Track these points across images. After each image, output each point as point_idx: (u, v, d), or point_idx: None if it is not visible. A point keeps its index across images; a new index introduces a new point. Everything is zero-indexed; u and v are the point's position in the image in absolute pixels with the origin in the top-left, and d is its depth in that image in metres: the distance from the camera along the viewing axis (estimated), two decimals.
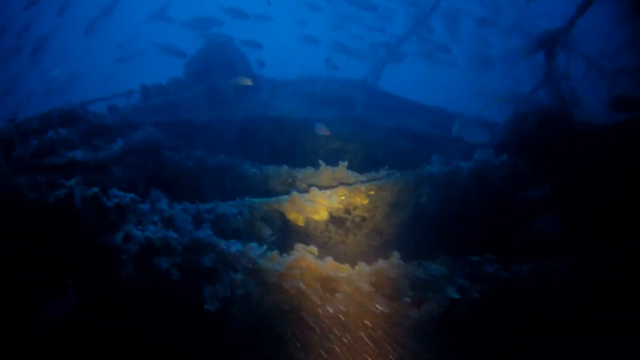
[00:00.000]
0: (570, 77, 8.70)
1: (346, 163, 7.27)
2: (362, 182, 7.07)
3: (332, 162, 7.59)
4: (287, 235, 6.69)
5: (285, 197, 6.76)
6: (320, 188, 6.84)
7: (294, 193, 6.71)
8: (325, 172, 7.46)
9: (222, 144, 8.22)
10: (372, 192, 6.56)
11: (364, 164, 7.81)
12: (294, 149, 9.04)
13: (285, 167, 7.58)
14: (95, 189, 5.28)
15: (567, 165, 5.96)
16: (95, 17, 24.96)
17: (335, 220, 6.62)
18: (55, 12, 24.94)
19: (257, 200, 6.68)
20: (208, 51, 10.76)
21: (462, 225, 5.98)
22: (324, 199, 6.77)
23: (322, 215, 6.78)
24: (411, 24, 16.41)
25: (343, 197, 6.69)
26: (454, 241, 5.57)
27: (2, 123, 6.46)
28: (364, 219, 6.55)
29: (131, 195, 5.59)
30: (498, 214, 5.91)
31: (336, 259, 5.17)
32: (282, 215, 6.70)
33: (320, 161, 7.50)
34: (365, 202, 6.63)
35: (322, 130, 8.30)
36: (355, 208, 6.61)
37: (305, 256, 5.79)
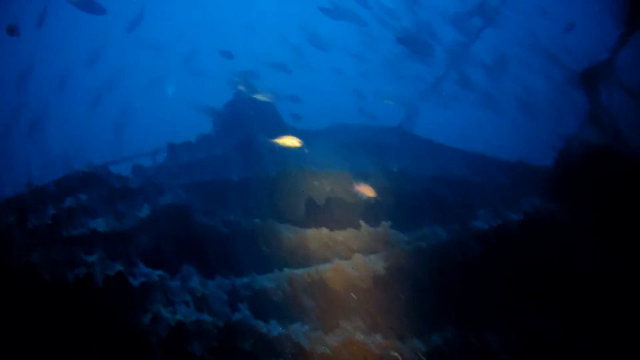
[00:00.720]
0: (613, 111, 8.09)
1: (389, 223, 6.56)
2: (406, 241, 6.30)
3: (373, 219, 6.87)
4: (330, 305, 5.92)
5: (327, 265, 6.02)
6: (363, 250, 6.28)
7: (337, 261, 5.98)
8: (367, 234, 6.74)
9: (256, 202, 7.52)
10: (417, 253, 5.95)
11: (406, 218, 7.08)
12: (332, 205, 8.29)
13: (324, 230, 6.84)
14: (119, 267, 4.57)
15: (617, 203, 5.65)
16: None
17: (379, 283, 5.84)
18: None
19: (298, 270, 5.91)
20: (237, 104, 10.24)
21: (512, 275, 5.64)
22: (367, 265, 6.07)
23: (366, 282, 6.09)
24: (446, 69, 15.87)
25: (386, 262, 5.96)
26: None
27: (19, 189, 5.87)
28: (409, 281, 5.78)
29: (159, 272, 4.88)
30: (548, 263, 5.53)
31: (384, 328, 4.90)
32: (325, 285, 5.93)
33: (362, 222, 6.80)
34: (410, 264, 5.94)
35: (362, 188, 7.58)
36: (400, 270, 5.83)
37: (352, 336, 5.10)
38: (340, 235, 6.99)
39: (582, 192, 5.84)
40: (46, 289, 4.31)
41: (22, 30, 9.32)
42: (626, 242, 5.34)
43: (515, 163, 9.84)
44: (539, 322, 5.21)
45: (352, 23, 14.18)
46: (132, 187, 6.12)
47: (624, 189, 5.62)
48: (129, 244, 5.42)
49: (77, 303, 4.37)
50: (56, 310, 4.48)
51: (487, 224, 5.86)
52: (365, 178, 8.69)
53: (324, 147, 10.70)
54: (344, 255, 6.92)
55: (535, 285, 5.48)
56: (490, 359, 5.10)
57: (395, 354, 4.91)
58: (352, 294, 6.04)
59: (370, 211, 7.97)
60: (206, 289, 4.96)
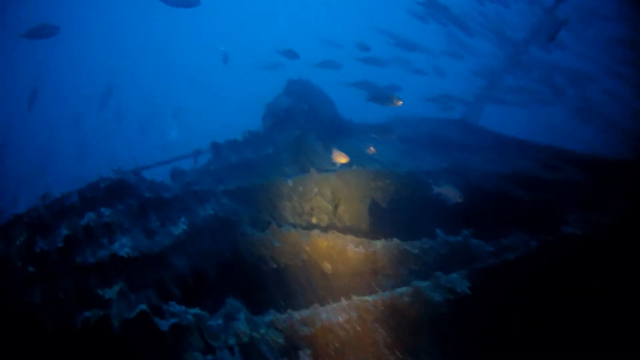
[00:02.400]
0: None
1: (470, 231, 5.67)
2: (491, 253, 5.46)
3: (449, 225, 5.89)
4: (413, 338, 4.74)
5: (403, 289, 4.83)
6: (442, 266, 5.38)
7: (414, 283, 4.83)
8: (445, 244, 5.73)
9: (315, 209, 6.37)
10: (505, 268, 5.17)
11: (483, 224, 5.95)
12: (399, 209, 7.03)
13: (395, 241, 5.65)
14: (142, 307, 3.48)
15: None
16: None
17: (464, 306, 4.83)
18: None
19: (369, 297, 4.70)
20: (288, 97, 9.11)
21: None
22: (450, 287, 4.99)
23: (450, 307, 5.02)
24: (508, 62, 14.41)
25: (470, 280, 5.07)
26: None
27: (34, 203, 4.90)
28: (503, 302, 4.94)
29: (195, 310, 3.77)
30: None
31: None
32: (401, 313, 4.78)
33: (438, 230, 5.66)
34: (499, 282, 5.14)
35: (446, 191, 6.31)
36: (488, 291, 4.96)
37: None
38: (414, 246, 5.78)
39: None
40: (47, 341, 3.26)
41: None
42: None
43: (591, 156, 8.37)
44: None
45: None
46: (166, 196, 5.05)
47: None
48: (159, 270, 4.35)
49: (86, 358, 3.31)
50: None
51: (579, 230, 5.20)
52: (434, 177, 7.40)
53: (384, 142, 9.47)
54: (420, 273, 5.72)
55: None
56: None
57: None
58: (435, 322, 4.88)
59: (444, 216, 6.73)
60: (256, 331, 3.81)
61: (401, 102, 7.89)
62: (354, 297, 4.64)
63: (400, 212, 7.06)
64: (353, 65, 12.86)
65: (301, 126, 8.08)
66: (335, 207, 6.67)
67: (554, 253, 5.22)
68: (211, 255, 4.87)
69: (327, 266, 5.47)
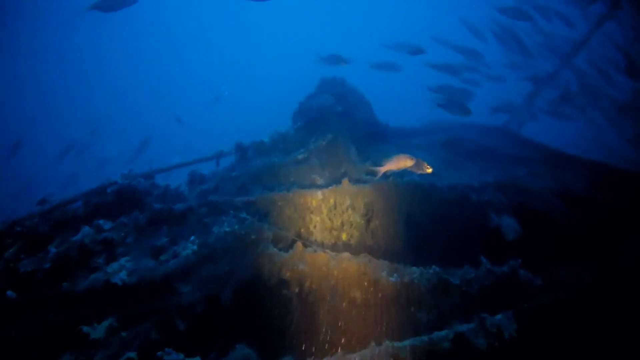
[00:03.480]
0: None
1: (518, 262, 4.97)
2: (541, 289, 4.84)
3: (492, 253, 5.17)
4: None
5: (444, 333, 4.13)
6: (489, 301, 4.81)
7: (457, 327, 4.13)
8: (490, 274, 4.99)
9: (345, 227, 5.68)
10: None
11: (532, 249, 5.31)
12: (443, 233, 6.25)
13: (435, 269, 4.91)
14: (131, 354, 2.85)
15: None
16: None
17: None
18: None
19: (404, 343, 3.99)
20: (321, 96, 8.43)
21: None
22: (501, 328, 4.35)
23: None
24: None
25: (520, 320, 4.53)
26: None
27: (30, 208, 4.34)
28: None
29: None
30: None
31: None
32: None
33: (484, 258, 4.95)
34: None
35: (509, 227, 5.59)
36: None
37: None
38: (455, 276, 5.09)
39: None
40: None
41: None
42: None
43: None
44: None
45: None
46: (178, 208, 4.42)
47: None
48: (166, 297, 3.72)
49: None
50: None
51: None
52: (478, 192, 6.61)
53: (423, 149, 8.70)
54: (461, 308, 5.04)
55: None
56: None
57: None
58: None
59: (487, 236, 6.01)
60: None
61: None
62: (387, 343, 3.95)
63: (439, 232, 6.30)
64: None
65: (335, 129, 7.37)
66: (368, 221, 5.96)
67: (610, 290, 4.48)
68: (227, 277, 4.22)
69: (357, 294, 4.78)
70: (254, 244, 4.59)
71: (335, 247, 5.50)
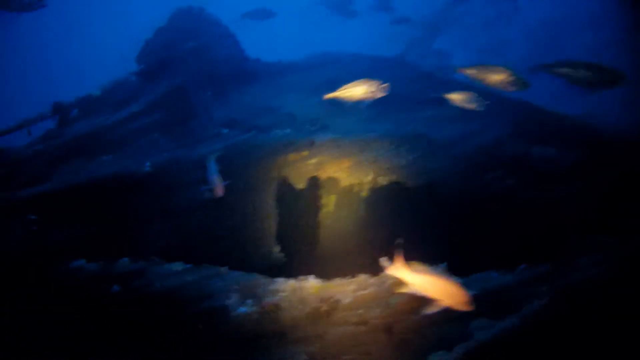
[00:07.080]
0: None
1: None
2: None
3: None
4: None
5: None
6: None
7: None
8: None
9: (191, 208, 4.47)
10: None
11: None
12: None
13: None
14: None
15: None
16: None
17: None
18: None
19: None
20: (172, 31, 6.92)
21: None
22: None
23: None
24: None
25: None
26: None
27: None
28: None
29: None
30: None
31: None
32: None
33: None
34: None
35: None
36: None
37: None
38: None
39: None
40: None
41: None
42: None
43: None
44: None
45: None
46: None
47: None
48: None
49: None
50: None
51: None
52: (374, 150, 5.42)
53: (305, 91, 7.40)
54: None
55: None
56: None
57: None
58: None
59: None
60: None
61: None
62: None
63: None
64: None
65: (184, 72, 5.98)
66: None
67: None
68: None
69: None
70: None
71: None
